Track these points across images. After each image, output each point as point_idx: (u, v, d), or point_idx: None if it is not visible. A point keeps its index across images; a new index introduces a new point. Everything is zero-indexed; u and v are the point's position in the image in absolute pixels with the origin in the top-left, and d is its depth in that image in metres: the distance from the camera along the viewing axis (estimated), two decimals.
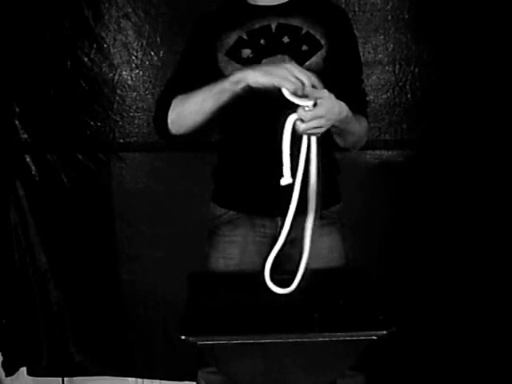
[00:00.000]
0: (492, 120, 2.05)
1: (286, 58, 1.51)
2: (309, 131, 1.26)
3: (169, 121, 1.49)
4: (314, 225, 1.35)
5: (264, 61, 1.52)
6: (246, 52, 1.53)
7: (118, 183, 2.20)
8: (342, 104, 1.33)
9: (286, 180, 1.26)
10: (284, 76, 1.27)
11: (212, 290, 1.44)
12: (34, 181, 2.21)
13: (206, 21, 1.62)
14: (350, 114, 1.38)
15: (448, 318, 2.13)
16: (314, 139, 1.29)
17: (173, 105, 1.49)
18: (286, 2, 1.57)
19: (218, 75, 1.51)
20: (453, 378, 2.21)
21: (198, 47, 1.59)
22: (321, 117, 1.25)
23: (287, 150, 1.25)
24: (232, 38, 1.54)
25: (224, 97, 1.39)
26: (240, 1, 1.59)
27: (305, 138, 1.29)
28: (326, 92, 1.28)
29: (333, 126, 1.33)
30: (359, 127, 1.52)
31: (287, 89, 1.26)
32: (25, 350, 2.34)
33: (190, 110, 1.46)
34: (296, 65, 1.31)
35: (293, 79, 1.27)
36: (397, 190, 2.12)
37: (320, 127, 1.27)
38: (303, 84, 1.27)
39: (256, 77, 1.31)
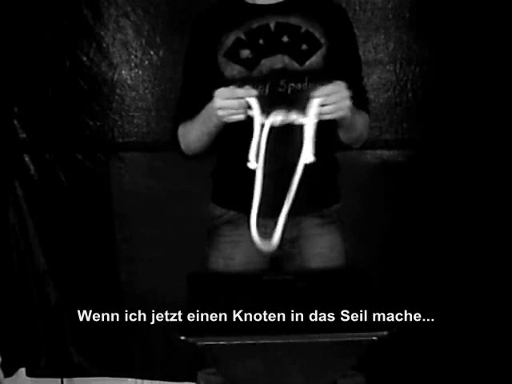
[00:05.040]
0: (493, 119, 2.04)
1: (286, 58, 1.51)
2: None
3: (181, 147, 1.59)
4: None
5: (263, 61, 1.51)
6: (245, 52, 1.52)
7: (117, 183, 2.20)
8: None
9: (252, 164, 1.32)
10: (221, 106, 1.34)
11: (212, 290, 1.43)
12: (32, 181, 2.20)
13: (203, 24, 1.60)
14: (353, 107, 1.39)
15: (448, 317, 2.12)
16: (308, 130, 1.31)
17: (179, 134, 1.57)
18: (285, 1, 1.55)
19: (219, 77, 1.50)
20: (453, 378, 2.21)
21: (199, 56, 1.59)
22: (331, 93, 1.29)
23: None
24: (230, 39, 1.53)
25: (215, 130, 1.46)
26: (237, 0, 1.58)
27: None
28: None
29: (338, 120, 1.37)
30: (362, 121, 1.54)
31: (224, 117, 1.34)
32: (24, 350, 2.33)
33: (192, 142, 1.55)
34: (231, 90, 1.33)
35: (228, 103, 1.33)
36: (397, 189, 2.12)
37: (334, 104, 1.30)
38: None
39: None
